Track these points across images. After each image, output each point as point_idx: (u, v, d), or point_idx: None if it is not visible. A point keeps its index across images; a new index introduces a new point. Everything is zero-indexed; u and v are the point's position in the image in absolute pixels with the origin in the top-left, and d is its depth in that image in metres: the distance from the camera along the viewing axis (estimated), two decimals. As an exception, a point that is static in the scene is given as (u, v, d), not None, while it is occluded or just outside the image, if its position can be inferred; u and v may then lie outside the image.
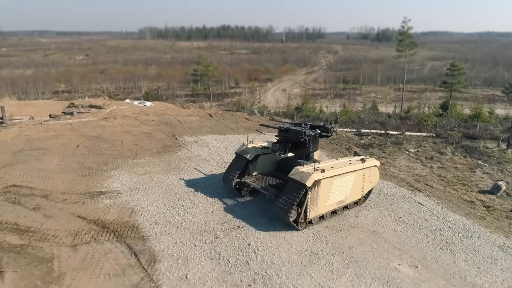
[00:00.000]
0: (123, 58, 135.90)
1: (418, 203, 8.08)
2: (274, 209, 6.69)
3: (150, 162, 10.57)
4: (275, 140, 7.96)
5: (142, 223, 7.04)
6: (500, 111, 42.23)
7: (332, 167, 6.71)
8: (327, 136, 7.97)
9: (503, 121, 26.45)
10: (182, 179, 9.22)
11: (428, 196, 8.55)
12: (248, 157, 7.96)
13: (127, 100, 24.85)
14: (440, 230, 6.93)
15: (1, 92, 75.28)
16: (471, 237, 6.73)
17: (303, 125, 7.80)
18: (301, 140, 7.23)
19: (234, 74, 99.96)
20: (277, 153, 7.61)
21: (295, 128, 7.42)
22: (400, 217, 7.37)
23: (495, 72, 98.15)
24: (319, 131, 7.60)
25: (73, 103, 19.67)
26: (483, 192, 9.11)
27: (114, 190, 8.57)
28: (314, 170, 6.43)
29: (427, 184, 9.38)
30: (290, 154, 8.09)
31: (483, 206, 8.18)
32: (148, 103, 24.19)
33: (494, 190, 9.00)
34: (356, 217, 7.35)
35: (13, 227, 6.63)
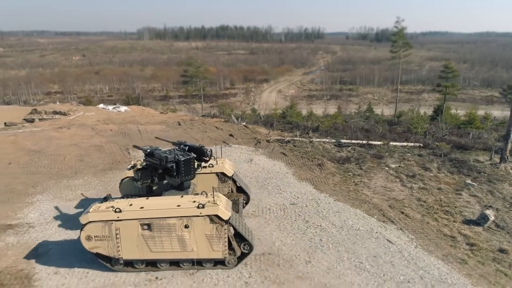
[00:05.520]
0: (120, 59, 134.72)
1: (387, 240, 6.67)
2: None
3: (87, 183, 9.19)
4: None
5: (40, 272, 5.65)
6: (497, 112, 40.85)
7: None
8: (205, 161, 6.48)
9: (499, 126, 25.04)
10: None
11: (401, 229, 7.15)
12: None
13: (100, 105, 23.47)
14: (409, 282, 5.53)
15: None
16: (446, 292, 5.34)
17: (181, 146, 6.34)
18: (168, 166, 5.77)
19: (230, 74, 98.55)
20: (139, 183, 6.07)
21: (160, 151, 5.94)
22: (362, 262, 5.97)
23: (494, 73, 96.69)
24: (194, 155, 6.10)
25: (36, 109, 18.29)
26: (468, 222, 7.72)
27: (27, 223, 7.19)
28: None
29: (402, 212, 7.98)
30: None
31: (466, 244, 6.80)
32: (123, 108, 22.83)
33: (481, 220, 7.62)
34: (308, 262, 5.95)
35: None
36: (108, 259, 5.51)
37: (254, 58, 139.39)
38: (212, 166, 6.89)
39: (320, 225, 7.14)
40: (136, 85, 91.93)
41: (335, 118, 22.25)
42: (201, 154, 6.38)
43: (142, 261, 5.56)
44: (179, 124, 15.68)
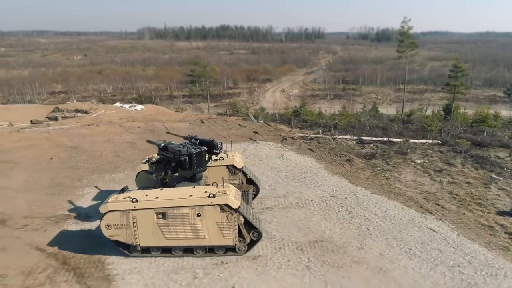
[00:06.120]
0: (121, 59, 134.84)
1: (431, 229, 7.03)
2: None
3: (129, 177, 9.52)
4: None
5: (110, 257, 6.01)
6: (503, 112, 41.18)
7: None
8: (216, 153, 6.87)
9: (509, 124, 25.42)
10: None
11: (440, 219, 7.51)
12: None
13: (117, 104, 23.82)
14: (459, 266, 5.89)
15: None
16: (496, 275, 5.70)
17: (192, 140, 6.69)
18: (181, 159, 6.10)
19: (233, 74, 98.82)
20: (154, 176, 6.42)
21: (173, 145, 6.28)
22: (411, 249, 6.33)
23: (496, 73, 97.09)
24: (205, 148, 6.45)
25: (58, 108, 18.62)
26: (502, 213, 8.09)
27: (84, 213, 7.53)
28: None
29: (438, 204, 8.35)
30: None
31: (505, 233, 7.16)
32: (139, 107, 23.17)
33: (514, 211, 7.98)
34: (360, 248, 6.31)
35: (-48, 265, 5.60)
36: (126, 246, 5.85)
37: (256, 58, 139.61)
38: (223, 159, 7.27)
39: (364, 216, 7.50)
40: (139, 85, 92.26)
41: (348, 117, 22.60)
42: (212, 147, 6.77)
43: (158, 248, 5.88)
44: (202, 122, 16.01)
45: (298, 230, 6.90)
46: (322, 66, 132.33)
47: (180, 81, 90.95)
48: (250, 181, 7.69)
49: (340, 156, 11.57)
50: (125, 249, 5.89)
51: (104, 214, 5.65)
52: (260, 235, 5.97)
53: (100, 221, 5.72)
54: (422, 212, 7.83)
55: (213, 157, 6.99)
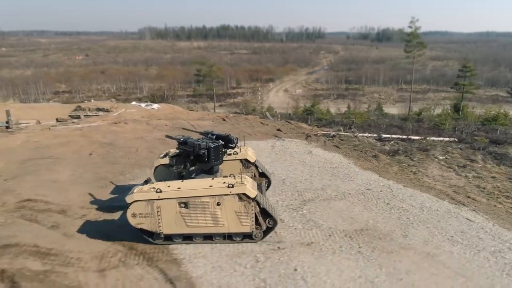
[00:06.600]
0: (123, 58, 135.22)
1: (467, 219, 7.46)
2: None
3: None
4: None
5: (173, 244, 6.42)
6: (510, 112, 41.67)
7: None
8: (232, 147, 7.33)
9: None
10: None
11: (474, 210, 7.95)
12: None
13: (133, 103, 24.22)
14: (500, 252, 6.32)
15: (1, 93, 74.47)
16: (535, 260, 6.13)
17: (209, 135, 7.12)
18: (200, 152, 6.50)
19: (236, 74, 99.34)
20: (174, 168, 6.84)
21: (192, 139, 6.68)
22: (453, 236, 6.76)
23: (498, 72, 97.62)
24: (222, 142, 6.87)
25: (79, 106, 19.03)
26: (530, 205, 8.52)
27: (136, 205, 7.93)
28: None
29: (468, 197, 8.78)
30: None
31: (537, 223, 7.57)
32: (155, 106, 23.56)
33: (542, 203, 8.41)
34: (405, 236, 6.73)
35: (32, 249, 5.99)
36: (150, 234, 6.24)
37: (257, 57, 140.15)
38: (237, 154, 7.67)
39: (402, 207, 7.92)
40: (143, 85, 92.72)
41: (361, 115, 23.03)
42: (228, 141, 7.20)
43: (179, 235, 6.28)
44: (224, 120, 16.43)
45: (343, 220, 7.32)
46: (323, 66, 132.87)
47: (183, 81, 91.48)
48: (262, 174, 8.10)
49: (365, 152, 11.99)
50: (149, 236, 6.28)
51: (130, 203, 6.02)
52: (275, 223, 6.35)
53: (127, 211, 6.08)
54: (455, 204, 8.26)
55: (228, 151, 7.39)
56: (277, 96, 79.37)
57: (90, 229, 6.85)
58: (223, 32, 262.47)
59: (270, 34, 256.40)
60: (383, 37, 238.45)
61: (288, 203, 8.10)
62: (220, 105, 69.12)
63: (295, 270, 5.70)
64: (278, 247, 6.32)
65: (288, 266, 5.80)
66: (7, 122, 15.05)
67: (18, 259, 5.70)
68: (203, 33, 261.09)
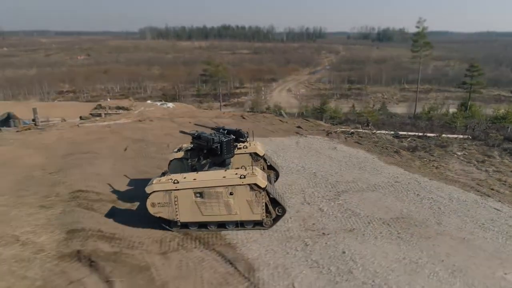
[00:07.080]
0: (125, 58, 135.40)
1: (495, 208, 7.93)
2: None
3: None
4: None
5: (223, 230, 6.88)
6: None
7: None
8: (243, 141, 7.89)
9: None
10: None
11: (500, 201, 8.41)
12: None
13: (149, 102, 24.67)
14: (529, 237, 6.79)
15: (7, 93, 74.87)
16: None
17: (221, 130, 7.64)
18: (213, 146, 6.99)
19: (238, 74, 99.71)
20: (189, 161, 7.38)
21: (206, 134, 7.18)
22: (484, 224, 7.22)
23: (500, 72, 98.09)
24: (233, 137, 7.39)
25: (100, 105, 19.52)
26: (551, 197, 8.98)
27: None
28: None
29: (492, 189, 9.24)
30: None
31: (561, 212, 8.03)
32: (170, 105, 24.02)
33: None
34: (439, 223, 7.20)
35: (98, 234, 6.46)
36: (168, 222, 6.72)
37: (259, 57, 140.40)
38: (246, 148, 8.17)
39: (431, 198, 8.39)
40: (146, 85, 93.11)
41: (372, 114, 23.54)
42: (239, 136, 7.78)
43: (195, 223, 6.74)
44: (243, 118, 16.89)
45: (378, 209, 7.78)
46: (325, 65, 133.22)
47: (186, 81, 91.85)
48: (270, 167, 8.61)
49: (386, 148, 12.47)
50: (166, 224, 6.75)
51: (150, 194, 6.50)
52: (284, 211, 6.82)
53: (146, 200, 6.55)
54: (481, 195, 8.72)
55: (238, 145, 7.87)
56: (280, 96, 79.83)
57: (143, 217, 7.31)
58: (224, 32, 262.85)
59: (271, 34, 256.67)
60: (384, 37, 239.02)
61: (324, 194, 8.58)
62: (225, 105, 69.59)
63: (344, 252, 6.17)
64: (323, 233, 6.79)
65: (336, 249, 6.26)
66: (33, 120, 15.52)
67: (89, 242, 6.19)
68: (204, 33, 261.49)
